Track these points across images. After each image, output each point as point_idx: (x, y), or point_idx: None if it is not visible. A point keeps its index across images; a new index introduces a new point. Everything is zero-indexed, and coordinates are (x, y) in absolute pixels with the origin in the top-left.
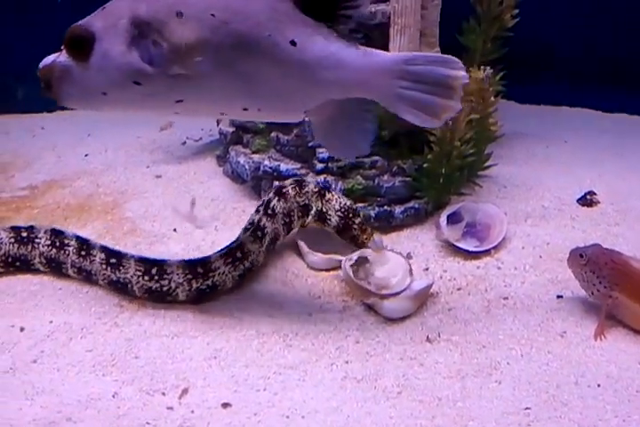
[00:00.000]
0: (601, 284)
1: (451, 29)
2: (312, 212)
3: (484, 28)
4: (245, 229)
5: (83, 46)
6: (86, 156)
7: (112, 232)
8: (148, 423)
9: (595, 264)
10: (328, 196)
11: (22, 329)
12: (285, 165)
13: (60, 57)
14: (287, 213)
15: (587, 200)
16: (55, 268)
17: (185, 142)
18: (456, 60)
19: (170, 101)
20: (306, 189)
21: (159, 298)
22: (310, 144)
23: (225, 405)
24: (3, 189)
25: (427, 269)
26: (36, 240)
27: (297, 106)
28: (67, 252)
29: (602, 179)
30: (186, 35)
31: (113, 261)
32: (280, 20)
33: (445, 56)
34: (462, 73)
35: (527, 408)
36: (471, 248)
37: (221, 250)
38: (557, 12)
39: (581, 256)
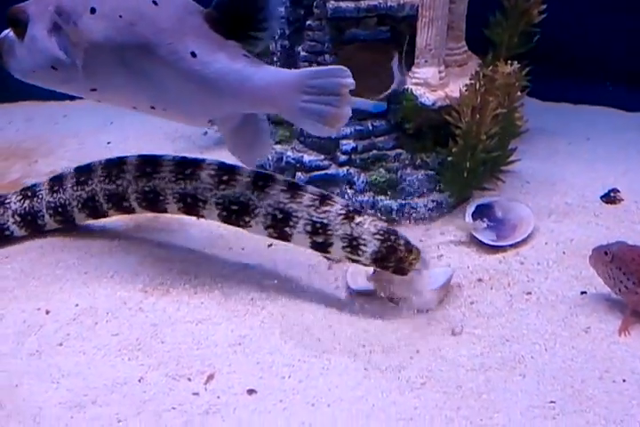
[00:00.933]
0: (629, 280)
1: (477, 23)
2: (336, 238)
3: (511, 22)
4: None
5: (19, 26)
6: (109, 143)
7: (133, 218)
8: (173, 408)
9: (621, 261)
10: (359, 219)
11: (48, 312)
12: (308, 157)
13: (10, 32)
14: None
15: (610, 197)
16: None
17: (206, 132)
18: (344, 68)
19: (85, 89)
20: (326, 208)
21: None
22: (333, 136)
23: (250, 391)
24: (27, 174)
25: (449, 264)
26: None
27: (199, 114)
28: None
29: (625, 176)
30: (94, 30)
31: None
32: (185, 31)
33: (333, 67)
34: (350, 80)
35: (552, 402)
36: (487, 241)
37: None
38: (581, 8)
39: (606, 253)
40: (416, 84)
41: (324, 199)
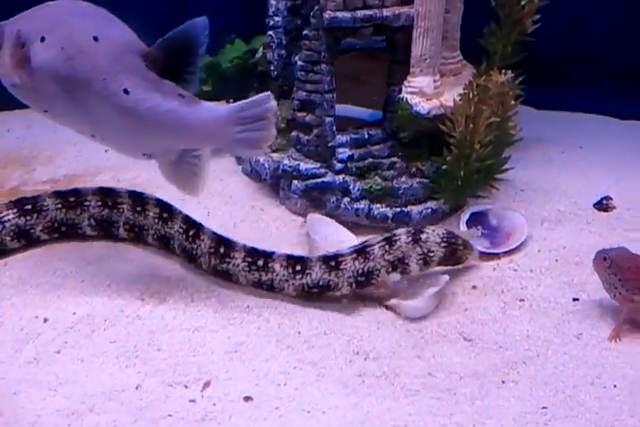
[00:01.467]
0: (623, 287)
1: (472, 33)
2: (412, 261)
3: (505, 32)
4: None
5: None
6: (106, 151)
7: None
8: (170, 416)
9: (618, 267)
10: (423, 236)
11: (46, 320)
12: (305, 165)
13: None
14: (363, 272)
15: (603, 205)
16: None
17: None
18: (267, 95)
19: (39, 109)
20: (398, 244)
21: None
22: (330, 144)
23: (247, 398)
24: (25, 182)
25: (444, 272)
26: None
27: (134, 147)
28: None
29: (618, 184)
30: (40, 58)
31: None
32: (120, 69)
33: (259, 96)
34: (273, 104)
35: (544, 408)
36: (481, 249)
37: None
38: (575, 18)
39: (605, 259)
40: (411, 93)
41: (389, 241)
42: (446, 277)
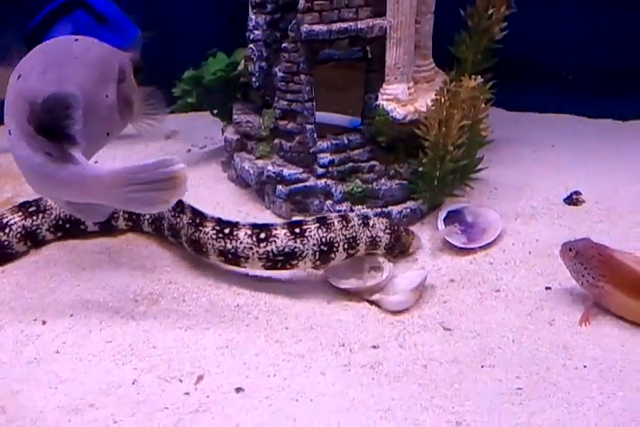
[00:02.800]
0: (589, 275)
1: (443, 42)
2: (362, 242)
3: (475, 40)
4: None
5: None
6: (96, 162)
7: (121, 233)
8: (166, 408)
9: (583, 257)
10: (371, 222)
11: (44, 322)
12: (288, 171)
13: None
14: (325, 243)
15: (573, 200)
16: None
17: (190, 150)
18: (172, 158)
19: None
20: (352, 223)
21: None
22: (311, 150)
23: (238, 389)
24: (18, 193)
25: (423, 267)
26: None
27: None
28: None
29: (587, 180)
30: None
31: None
32: (13, 114)
33: (162, 159)
34: (180, 166)
35: (519, 389)
36: (459, 244)
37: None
38: (545, 22)
39: (570, 250)
40: (387, 99)
41: (345, 218)
42: (425, 271)
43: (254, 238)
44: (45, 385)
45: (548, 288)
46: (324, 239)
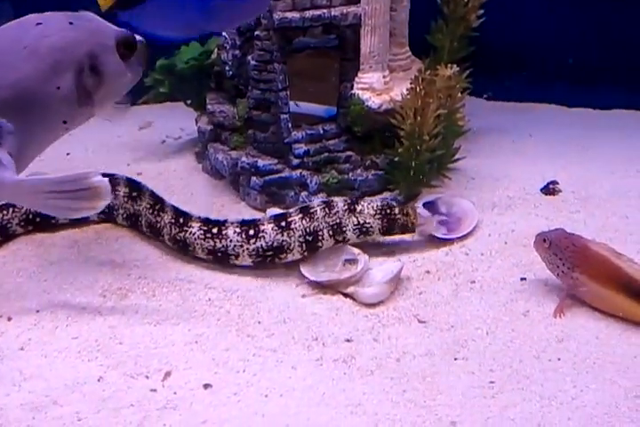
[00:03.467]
0: (564, 265)
1: (420, 30)
2: (348, 228)
3: (451, 27)
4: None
5: None
6: (68, 155)
7: (91, 227)
8: (132, 405)
9: (557, 248)
10: (359, 207)
11: (10, 319)
12: (262, 161)
13: None
14: (310, 232)
15: (549, 189)
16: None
17: (164, 141)
18: (91, 172)
19: None
20: (335, 210)
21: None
22: (286, 140)
23: (206, 386)
24: None
25: (399, 259)
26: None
27: None
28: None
29: (564, 169)
30: None
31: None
32: None
33: (82, 172)
34: (98, 178)
35: (492, 382)
36: (440, 235)
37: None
38: (523, 10)
39: (545, 240)
40: (362, 88)
41: (328, 204)
42: (401, 263)
43: (243, 236)
44: (9, 383)
45: (523, 279)
46: (307, 229)
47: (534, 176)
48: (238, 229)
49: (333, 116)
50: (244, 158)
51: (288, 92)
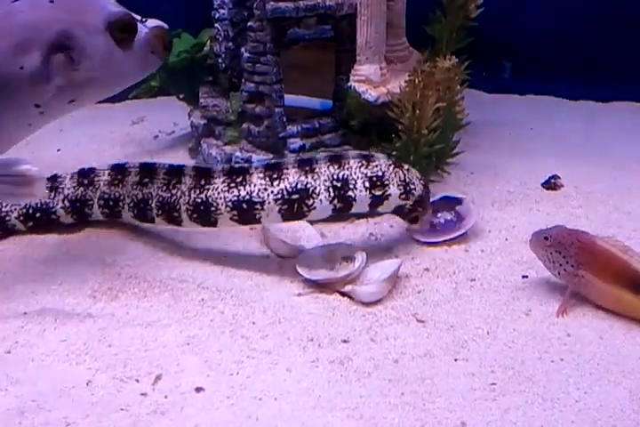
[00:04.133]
0: (568, 263)
1: (418, 20)
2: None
3: (450, 18)
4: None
5: None
6: (59, 151)
7: (80, 226)
8: (122, 410)
9: (560, 244)
10: (406, 166)
11: None
12: (257, 156)
13: None
14: (339, 178)
15: (551, 184)
16: None
17: (157, 136)
18: (19, 159)
19: None
20: (376, 163)
21: None
22: (281, 135)
23: (198, 389)
24: None
25: (397, 256)
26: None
27: None
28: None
29: (566, 163)
30: None
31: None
32: None
33: (11, 157)
34: (26, 166)
35: (493, 384)
36: (424, 239)
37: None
38: (523, 1)
39: (546, 238)
40: (358, 81)
41: (366, 158)
42: (399, 261)
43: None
44: None
45: (524, 277)
46: (336, 176)
47: (535, 170)
48: (262, 175)
49: (329, 110)
50: (237, 153)
51: (282, 85)
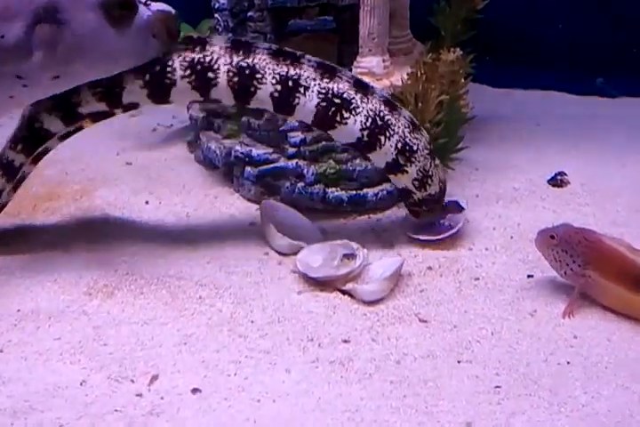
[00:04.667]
0: (574, 263)
1: (422, 11)
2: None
3: (454, 9)
4: None
5: None
6: None
7: (77, 221)
8: (116, 411)
9: (567, 243)
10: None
11: None
12: (257, 151)
13: None
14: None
15: (557, 181)
16: None
17: (155, 129)
18: None
19: None
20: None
21: None
22: (281, 128)
23: (195, 390)
24: None
25: (399, 254)
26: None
27: None
28: None
29: (572, 160)
30: None
31: None
32: None
33: None
34: None
35: (497, 387)
36: (422, 237)
37: None
38: None
39: (552, 237)
40: (361, 73)
41: (415, 127)
42: (401, 258)
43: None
44: None
45: (530, 276)
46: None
47: (541, 167)
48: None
49: None
50: (237, 147)
51: None
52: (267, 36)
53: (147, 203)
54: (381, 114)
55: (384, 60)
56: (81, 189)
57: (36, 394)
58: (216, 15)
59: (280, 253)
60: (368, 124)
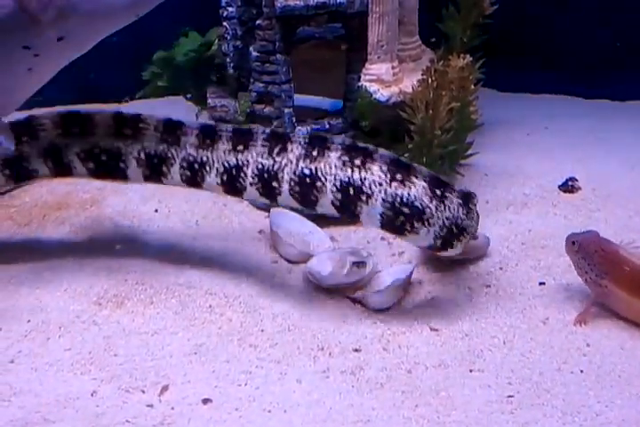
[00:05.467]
0: (592, 271)
1: (431, 17)
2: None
3: (463, 14)
4: None
5: None
6: None
7: (86, 230)
8: (127, 422)
9: (585, 252)
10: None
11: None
12: None
13: None
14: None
15: (568, 186)
16: None
17: None
18: None
19: None
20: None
21: None
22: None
23: (205, 401)
24: None
25: (410, 261)
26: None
27: None
28: None
29: (583, 164)
30: None
31: None
32: None
33: None
34: None
35: (510, 396)
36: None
37: None
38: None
39: (573, 243)
40: (370, 80)
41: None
42: (411, 266)
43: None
44: None
45: (541, 284)
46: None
47: (551, 172)
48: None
49: (340, 110)
50: None
51: (292, 85)
52: (275, 44)
53: (156, 211)
54: (458, 221)
55: (393, 67)
56: (90, 199)
57: (48, 405)
58: (224, 23)
59: (289, 262)
60: (443, 233)
